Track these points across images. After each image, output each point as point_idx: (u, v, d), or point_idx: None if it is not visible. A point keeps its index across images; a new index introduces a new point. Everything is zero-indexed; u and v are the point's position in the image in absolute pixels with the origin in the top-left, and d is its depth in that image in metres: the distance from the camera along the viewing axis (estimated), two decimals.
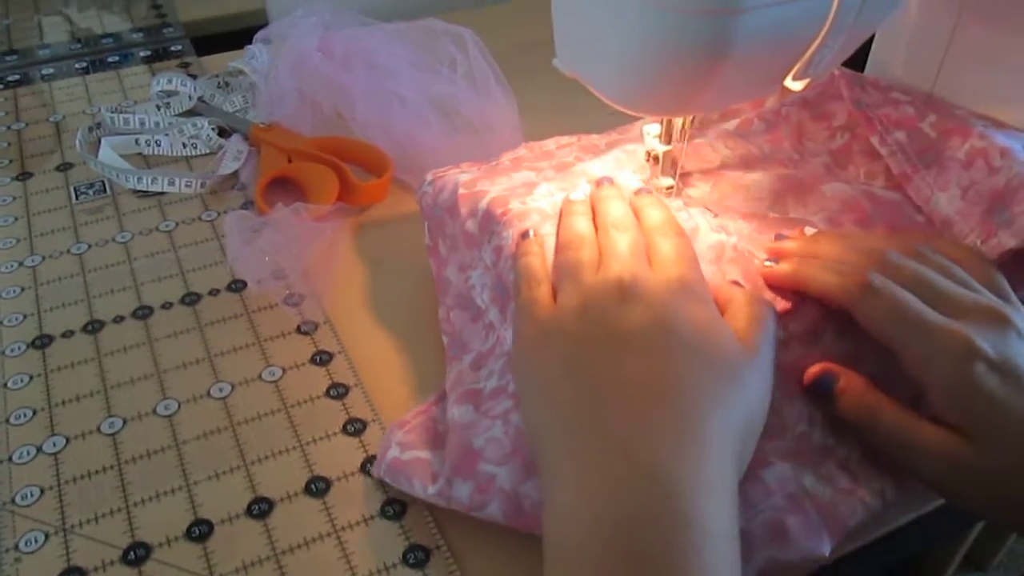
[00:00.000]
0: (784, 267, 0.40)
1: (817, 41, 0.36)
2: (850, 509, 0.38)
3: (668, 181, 0.46)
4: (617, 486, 0.32)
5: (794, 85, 0.39)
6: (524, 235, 0.43)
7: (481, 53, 0.66)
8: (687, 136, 0.45)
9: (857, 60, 0.47)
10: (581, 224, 0.42)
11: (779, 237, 0.43)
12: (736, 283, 0.41)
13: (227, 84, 0.74)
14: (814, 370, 0.39)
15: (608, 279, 0.38)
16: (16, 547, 0.40)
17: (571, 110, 0.59)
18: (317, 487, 0.42)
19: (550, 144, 0.53)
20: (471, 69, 0.66)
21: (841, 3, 0.34)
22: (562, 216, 0.44)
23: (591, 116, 0.53)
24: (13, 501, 0.42)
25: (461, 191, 0.48)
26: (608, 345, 0.36)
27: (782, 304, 0.40)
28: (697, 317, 0.36)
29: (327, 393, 0.47)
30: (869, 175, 0.48)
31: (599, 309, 0.37)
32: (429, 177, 0.52)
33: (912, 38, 0.50)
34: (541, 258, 0.42)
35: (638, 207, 0.43)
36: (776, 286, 0.40)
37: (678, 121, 0.44)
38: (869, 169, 0.49)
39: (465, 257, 0.48)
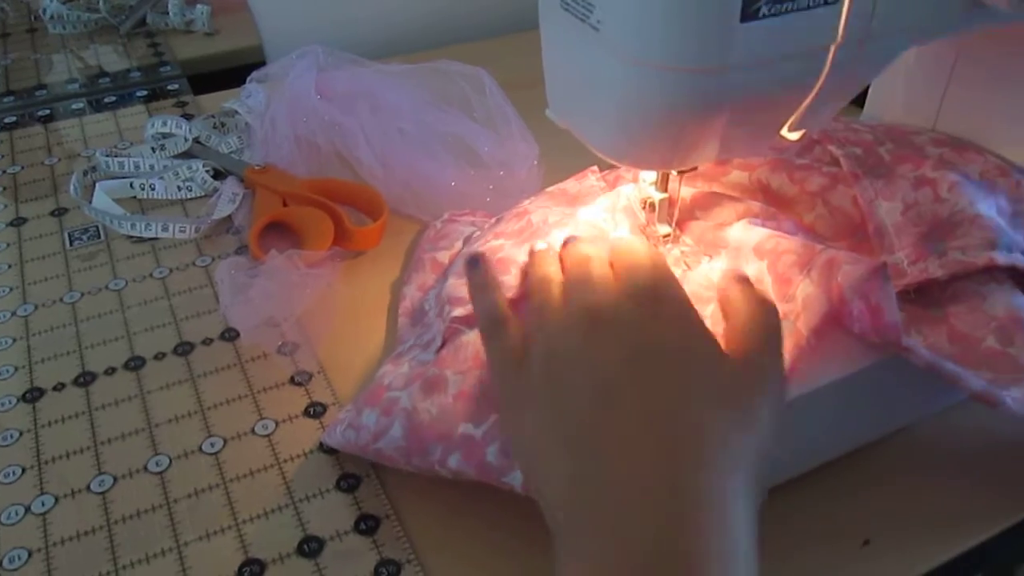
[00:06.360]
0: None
1: (812, 94, 0.35)
2: None
3: (665, 228, 0.46)
4: (627, 563, 0.29)
5: (790, 136, 0.38)
6: (473, 262, 0.41)
7: (500, 93, 0.66)
8: (682, 182, 0.44)
9: (855, 102, 0.46)
10: (549, 269, 0.40)
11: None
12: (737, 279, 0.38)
13: (223, 125, 0.73)
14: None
15: (572, 312, 0.35)
16: None
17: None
18: (310, 547, 0.41)
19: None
20: (489, 109, 0.66)
21: (834, 59, 0.33)
22: (528, 265, 0.42)
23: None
24: (0, 565, 0.41)
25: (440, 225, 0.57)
26: (588, 397, 0.33)
27: None
28: (676, 336, 0.33)
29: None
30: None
31: (568, 350, 0.34)
32: (445, 216, 0.60)
33: (910, 82, 0.49)
34: (498, 293, 0.39)
35: (614, 245, 0.40)
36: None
37: None
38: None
39: (428, 279, 0.54)
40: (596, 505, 0.31)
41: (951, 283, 0.41)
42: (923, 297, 0.41)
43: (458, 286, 0.46)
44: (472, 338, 0.43)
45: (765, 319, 0.35)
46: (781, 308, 0.39)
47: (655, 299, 0.35)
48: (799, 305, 0.39)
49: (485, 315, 0.39)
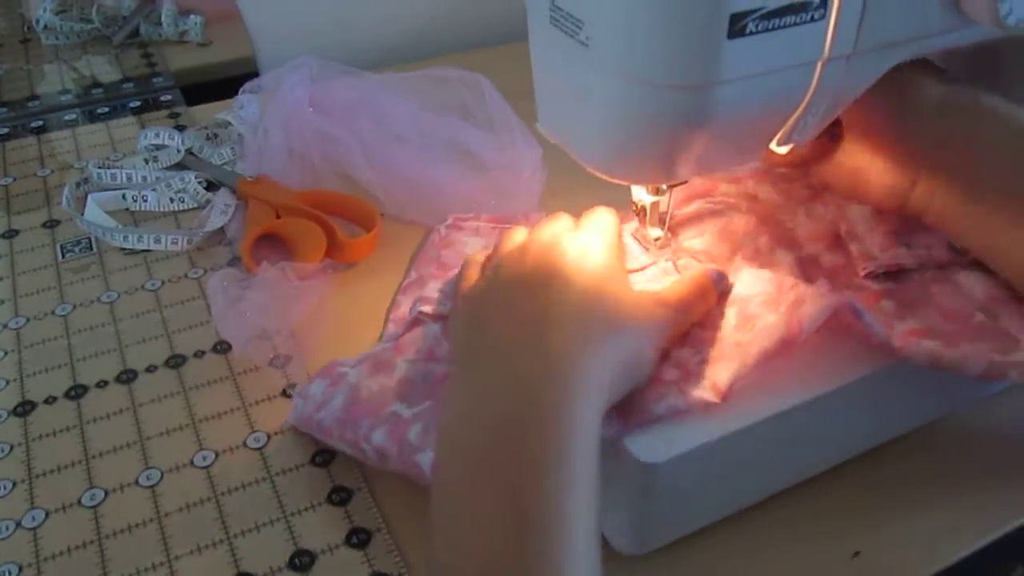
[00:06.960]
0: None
1: (800, 108, 0.35)
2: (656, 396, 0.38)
3: (657, 232, 0.46)
4: (494, 408, 0.36)
5: (779, 150, 0.39)
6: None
7: (499, 97, 0.66)
8: (673, 188, 0.44)
9: None
10: (519, 232, 0.46)
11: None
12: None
13: (215, 136, 0.74)
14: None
15: (519, 245, 0.42)
16: None
17: None
18: (301, 561, 0.41)
19: None
20: (489, 114, 0.66)
21: (823, 72, 0.34)
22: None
23: None
24: None
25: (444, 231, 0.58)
26: (501, 290, 0.40)
27: None
28: (578, 266, 0.39)
29: (312, 461, 0.46)
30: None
31: (504, 269, 0.41)
32: (449, 220, 0.59)
33: None
34: (483, 256, 0.47)
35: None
36: None
37: None
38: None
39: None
40: (477, 362, 0.38)
41: (927, 270, 0.42)
42: (907, 283, 0.42)
43: (432, 290, 0.50)
44: (431, 332, 0.46)
45: (693, 285, 0.41)
46: (737, 337, 0.39)
47: (587, 243, 0.41)
48: (754, 331, 0.38)
49: (465, 264, 0.47)
